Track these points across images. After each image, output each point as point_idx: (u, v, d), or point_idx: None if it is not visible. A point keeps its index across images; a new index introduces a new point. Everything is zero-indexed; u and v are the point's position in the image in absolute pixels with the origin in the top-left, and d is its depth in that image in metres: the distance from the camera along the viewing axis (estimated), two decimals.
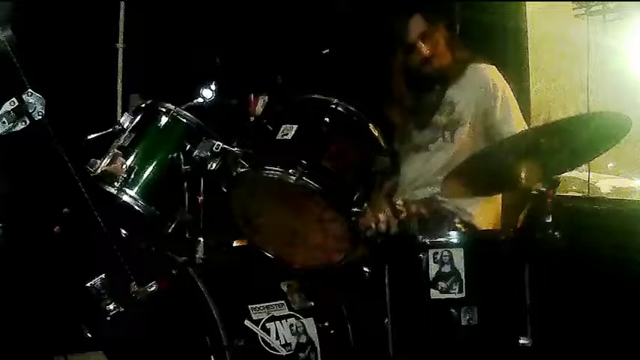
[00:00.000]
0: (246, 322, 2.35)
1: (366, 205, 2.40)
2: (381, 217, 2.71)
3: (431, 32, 2.86)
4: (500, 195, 2.94)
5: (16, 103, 1.77)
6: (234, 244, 2.86)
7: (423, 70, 2.88)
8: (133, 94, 3.83)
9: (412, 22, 2.85)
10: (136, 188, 2.49)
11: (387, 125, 2.81)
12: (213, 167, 2.46)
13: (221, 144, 2.46)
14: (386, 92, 3.15)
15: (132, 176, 2.49)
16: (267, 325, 2.37)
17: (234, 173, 2.42)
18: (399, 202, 2.82)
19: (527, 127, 2.86)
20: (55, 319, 2.80)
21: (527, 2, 3.77)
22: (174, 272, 2.42)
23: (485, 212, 2.91)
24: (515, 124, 2.85)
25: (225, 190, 2.48)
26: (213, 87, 2.80)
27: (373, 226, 2.66)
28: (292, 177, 2.28)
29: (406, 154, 3.01)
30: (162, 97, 2.64)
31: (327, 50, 2.90)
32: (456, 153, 2.89)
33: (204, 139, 2.50)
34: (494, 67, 2.92)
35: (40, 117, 1.79)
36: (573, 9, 3.64)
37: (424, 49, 2.85)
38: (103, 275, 2.07)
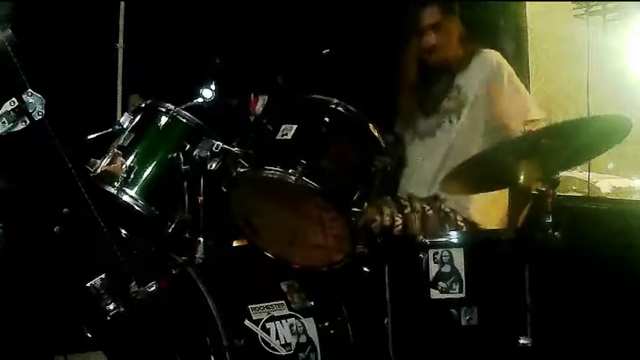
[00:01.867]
0: (246, 322, 2.35)
1: (366, 205, 2.40)
2: (385, 211, 2.72)
3: (443, 23, 2.93)
4: (506, 195, 2.94)
5: (16, 103, 1.77)
6: (234, 244, 2.86)
7: (429, 59, 2.94)
8: (133, 94, 3.83)
9: (427, 10, 2.93)
10: (136, 188, 2.49)
11: (391, 117, 2.84)
12: (213, 167, 2.46)
13: (221, 144, 2.46)
14: (388, 89, 3.17)
15: (132, 176, 2.49)
16: (267, 325, 2.37)
17: (234, 173, 2.42)
18: (403, 197, 2.84)
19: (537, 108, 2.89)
20: (55, 319, 2.80)
21: (527, 2, 3.77)
22: (174, 272, 2.41)
23: (487, 211, 2.92)
24: (524, 97, 2.89)
25: (225, 190, 2.48)
26: (213, 87, 2.79)
27: (378, 220, 2.68)
28: (292, 177, 2.28)
29: (412, 141, 3.04)
30: (162, 97, 2.64)
31: (328, 50, 2.90)
32: (457, 135, 2.92)
33: (204, 139, 2.50)
34: (498, 53, 2.97)
35: (40, 117, 1.79)
36: (573, 9, 3.64)
37: (432, 38, 2.92)
38: (103, 275, 2.07)
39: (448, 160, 2.91)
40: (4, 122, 1.77)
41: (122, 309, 2.08)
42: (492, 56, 2.96)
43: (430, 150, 3.00)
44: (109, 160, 2.52)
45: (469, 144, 2.89)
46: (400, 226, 2.74)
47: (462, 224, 2.85)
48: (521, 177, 2.37)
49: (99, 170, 2.51)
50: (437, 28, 2.93)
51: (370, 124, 2.47)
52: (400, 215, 2.75)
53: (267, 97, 2.80)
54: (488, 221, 2.90)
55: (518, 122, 2.77)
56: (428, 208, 2.83)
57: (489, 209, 2.92)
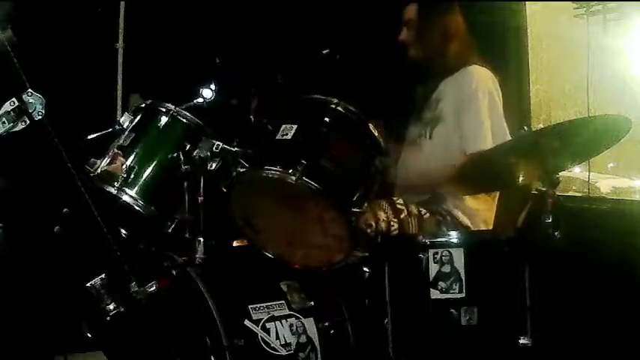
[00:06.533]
0: (246, 322, 2.35)
1: (366, 205, 2.40)
2: (381, 215, 2.72)
3: (416, 22, 2.93)
4: (497, 195, 2.94)
5: (16, 103, 1.77)
6: (234, 244, 2.86)
7: (408, 55, 2.95)
8: (133, 94, 3.83)
9: (408, 6, 2.98)
10: (136, 188, 2.49)
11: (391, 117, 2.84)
12: (213, 167, 2.46)
13: (221, 144, 2.47)
14: (389, 90, 3.18)
15: (132, 176, 2.49)
16: (267, 325, 2.37)
17: (234, 173, 2.42)
18: (399, 201, 2.83)
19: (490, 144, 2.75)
20: (55, 319, 2.80)
21: (527, 2, 3.77)
22: (174, 272, 2.41)
23: (484, 211, 2.91)
24: (481, 139, 2.76)
25: (225, 190, 2.48)
26: (213, 87, 2.80)
27: (373, 225, 2.68)
28: (292, 177, 2.28)
29: (405, 144, 3.04)
30: (162, 97, 2.64)
31: (327, 50, 2.90)
32: (432, 151, 2.89)
33: (204, 139, 2.50)
34: (486, 70, 2.89)
35: (40, 117, 1.79)
36: (573, 9, 3.65)
37: (403, 33, 2.96)
38: (103, 275, 2.07)
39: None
40: (4, 122, 1.77)
41: (122, 309, 2.08)
42: (475, 74, 2.85)
43: (413, 158, 2.99)
44: (109, 160, 2.52)
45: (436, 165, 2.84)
46: (396, 231, 2.74)
47: (460, 225, 2.85)
48: (521, 177, 2.37)
49: (99, 170, 2.51)
50: (409, 25, 2.95)
51: (370, 124, 2.46)
52: (396, 220, 2.75)
53: (257, 98, 2.80)
54: (485, 221, 2.90)
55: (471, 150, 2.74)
56: (424, 211, 2.82)
57: (486, 210, 2.92)
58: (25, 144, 1.88)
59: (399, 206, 2.80)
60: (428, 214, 2.82)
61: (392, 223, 2.74)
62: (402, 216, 2.77)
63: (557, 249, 2.24)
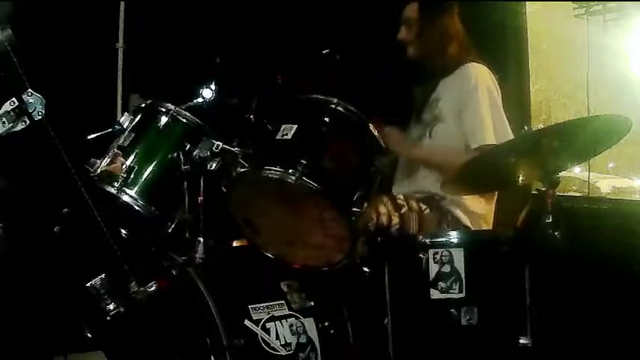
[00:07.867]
0: (246, 322, 2.35)
1: (366, 205, 2.40)
2: (382, 210, 2.72)
3: (416, 21, 2.93)
4: (496, 195, 2.95)
5: (16, 103, 1.77)
6: (234, 244, 2.86)
7: (406, 54, 2.94)
8: (133, 94, 3.83)
9: (408, 5, 2.97)
10: (136, 188, 2.49)
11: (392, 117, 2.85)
12: (213, 167, 2.46)
13: (221, 144, 2.47)
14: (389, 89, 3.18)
15: (132, 176, 2.49)
16: (267, 325, 2.37)
17: (234, 173, 2.43)
18: (400, 196, 2.84)
19: (495, 140, 2.76)
20: (55, 319, 2.80)
21: (527, 2, 3.77)
22: (174, 272, 2.41)
23: (484, 211, 2.92)
24: (483, 133, 2.77)
25: (225, 190, 2.48)
26: (213, 87, 2.80)
27: (374, 219, 2.68)
28: (292, 177, 2.28)
29: None
30: (162, 97, 2.64)
31: (327, 50, 2.90)
32: None
33: (204, 139, 2.50)
34: (483, 67, 2.89)
35: (40, 117, 1.78)
36: (573, 9, 3.65)
37: (401, 32, 2.95)
38: (103, 275, 2.07)
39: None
40: (4, 122, 1.77)
41: (122, 309, 2.08)
42: (473, 71, 2.86)
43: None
44: (109, 160, 2.52)
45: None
46: (397, 226, 2.74)
47: (462, 223, 2.85)
48: (521, 177, 2.37)
49: (99, 170, 2.51)
50: (408, 23, 2.95)
51: (370, 124, 2.47)
52: (397, 214, 2.76)
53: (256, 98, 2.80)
54: (485, 221, 2.90)
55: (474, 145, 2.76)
56: (425, 207, 2.82)
57: (485, 209, 2.92)
58: (25, 144, 1.88)
59: (399, 201, 2.81)
60: (428, 210, 2.82)
61: (392, 218, 2.74)
62: (403, 211, 2.77)
63: (557, 249, 2.24)
